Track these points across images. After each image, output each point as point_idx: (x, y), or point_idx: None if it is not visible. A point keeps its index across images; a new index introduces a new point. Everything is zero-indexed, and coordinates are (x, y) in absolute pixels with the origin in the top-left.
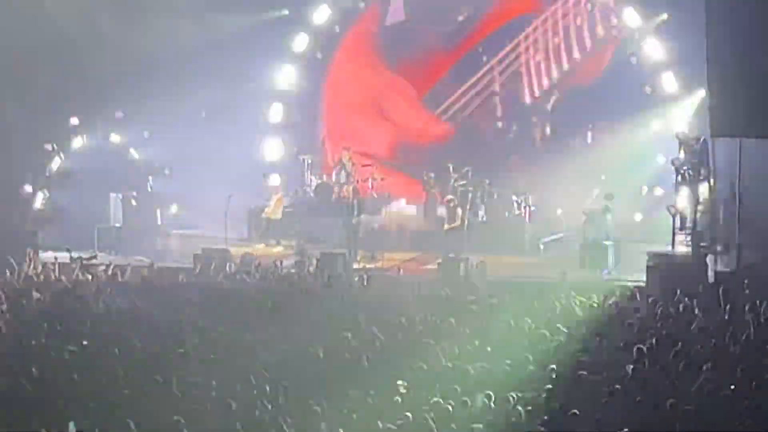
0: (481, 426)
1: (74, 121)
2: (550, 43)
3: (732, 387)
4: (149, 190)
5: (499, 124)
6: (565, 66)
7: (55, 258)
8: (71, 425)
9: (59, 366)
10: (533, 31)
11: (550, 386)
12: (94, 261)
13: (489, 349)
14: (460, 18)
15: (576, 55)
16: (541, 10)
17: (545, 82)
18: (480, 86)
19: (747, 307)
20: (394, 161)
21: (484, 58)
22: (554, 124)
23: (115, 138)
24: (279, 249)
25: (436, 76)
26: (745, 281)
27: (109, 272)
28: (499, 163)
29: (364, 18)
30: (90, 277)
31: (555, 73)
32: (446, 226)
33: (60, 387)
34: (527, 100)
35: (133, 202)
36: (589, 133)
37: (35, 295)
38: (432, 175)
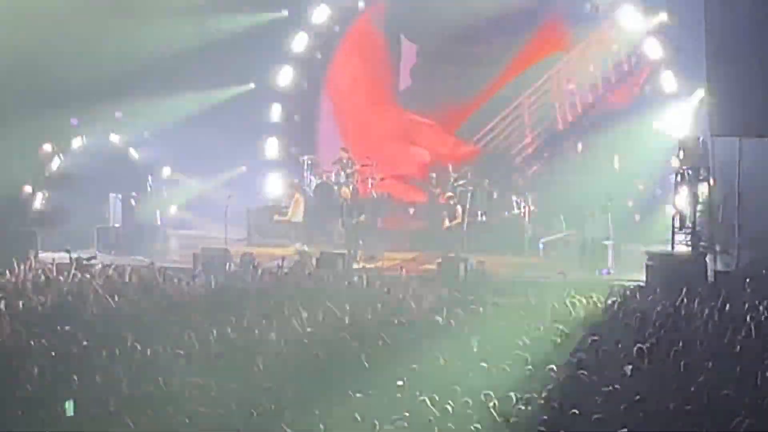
0: (480, 426)
1: (73, 121)
2: (579, 75)
3: (731, 387)
4: (149, 190)
5: (529, 149)
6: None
7: (54, 259)
8: (69, 405)
9: (59, 366)
10: (564, 65)
11: (549, 386)
12: (93, 261)
13: (488, 348)
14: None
15: (604, 84)
16: (569, 48)
17: (576, 109)
18: (510, 119)
19: (746, 307)
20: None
21: (513, 95)
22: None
23: (114, 138)
24: (306, 249)
25: (464, 116)
26: (745, 281)
27: (109, 272)
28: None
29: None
30: (89, 277)
31: (588, 99)
32: (446, 224)
33: (59, 388)
34: (560, 127)
35: (133, 203)
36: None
37: (34, 295)
38: (433, 175)
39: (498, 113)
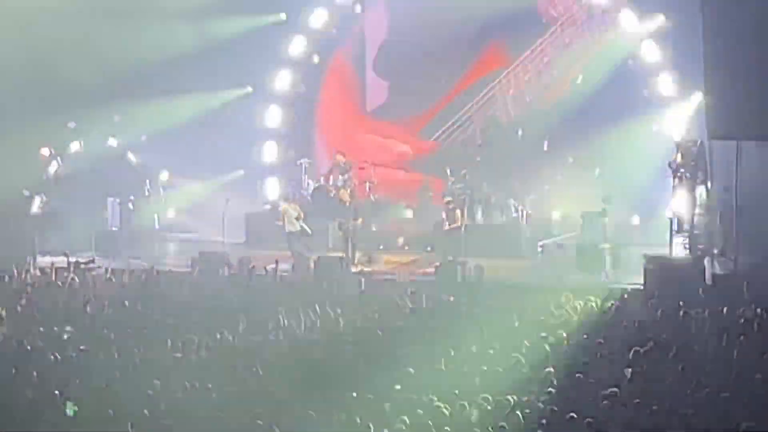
0: (478, 430)
1: (71, 125)
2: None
3: (730, 389)
4: (147, 194)
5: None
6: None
7: (52, 262)
8: (69, 406)
9: (57, 370)
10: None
11: (547, 389)
12: (91, 265)
13: (487, 352)
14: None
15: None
16: (510, 62)
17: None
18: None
19: (744, 310)
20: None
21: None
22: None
23: (112, 142)
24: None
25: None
26: (743, 284)
27: (107, 276)
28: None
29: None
30: (87, 281)
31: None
32: (446, 227)
33: (58, 390)
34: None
35: (131, 206)
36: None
37: (32, 299)
38: (429, 178)
39: (452, 116)
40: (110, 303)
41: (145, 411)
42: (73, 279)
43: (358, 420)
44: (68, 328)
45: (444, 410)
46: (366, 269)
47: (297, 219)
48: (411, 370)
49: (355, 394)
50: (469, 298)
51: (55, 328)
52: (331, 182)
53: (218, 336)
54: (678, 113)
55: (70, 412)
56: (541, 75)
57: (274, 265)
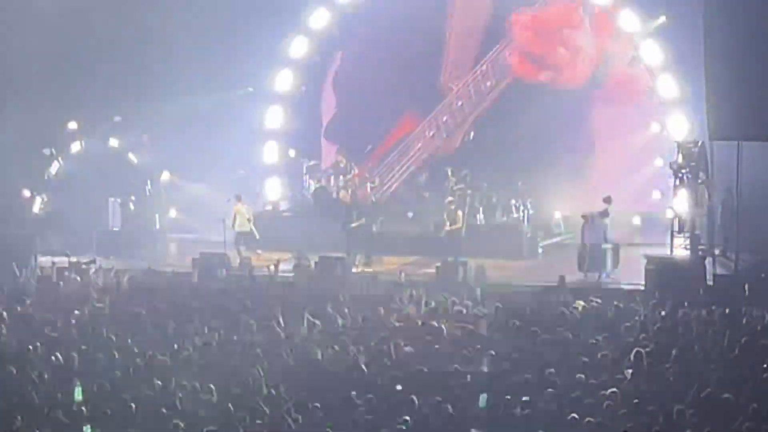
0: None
1: (73, 125)
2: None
3: (731, 390)
4: (147, 194)
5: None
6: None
7: (53, 262)
8: (77, 390)
9: (58, 370)
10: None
11: (548, 390)
12: (92, 265)
13: (488, 352)
14: None
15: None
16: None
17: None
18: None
19: (745, 310)
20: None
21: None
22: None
23: (113, 142)
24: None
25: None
26: (744, 284)
27: (108, 276)
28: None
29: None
30: (88, 280)
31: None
32: (447, 228)
33: (60, 391)
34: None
35: (132, 207)
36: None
37: (33, 299)
38: (422, 177)
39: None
40: (111, 303)
41: (146, 411)
42: (73, 279)
43: (361, 420)
44: (74, 322)
45: (447, 409)
46: (367, 270)
47: (248, 220)
48: (413, 369)
49: (356, 394)
50: (469, 299)
51: (55, 328)
52: (332, 183)
53: (219, 337)
54: (679, 113)
55: (78, 396)
56: None
57: (274, 266)
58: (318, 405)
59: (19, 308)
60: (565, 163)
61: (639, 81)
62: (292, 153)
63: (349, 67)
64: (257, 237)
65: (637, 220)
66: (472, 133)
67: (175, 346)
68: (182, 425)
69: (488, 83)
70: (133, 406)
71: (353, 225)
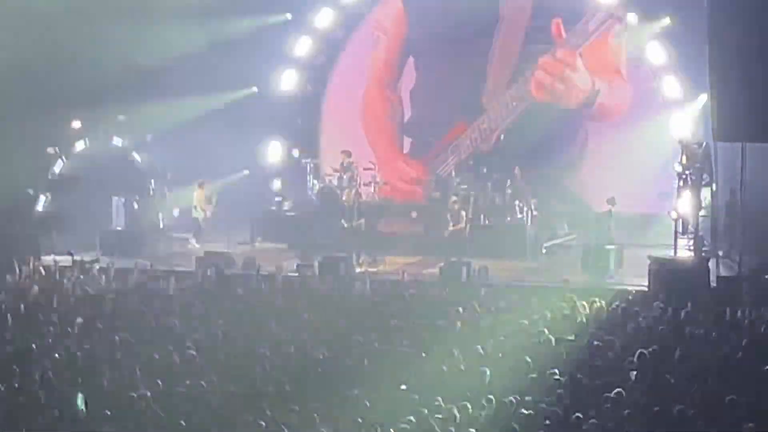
0: None
1: (76, 124)
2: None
3: (735, 392)
4: (151, 193)
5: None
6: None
7: (57, 261)
8: (79, 398)
9: (61, 370)
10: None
11: (552, 391)
12: (96, 264)
13: (491, 353)
14: None
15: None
16: None
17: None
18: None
19: (749, 312)
20: None
21: None
22: None
23: (117, 141)
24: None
25: None
26: (748, 286)
27: (112, 275)
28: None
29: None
30: (92, 280)
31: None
32: (450, 227)
33: (63, 390)
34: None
35: (136, 206)
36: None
37: (37, 298)
38: (434, 178)
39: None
40: (114, 303)
41: (147, 411)
42: (77, 278)
43: (363, 421)
44: (79, 320)
45: (449, 411)
46: (370, 269)
47: (196, 207)
48: (416, 370)
49: (359, 395)
50: (473, 300)
51: (59, 328)
52: (336, 183)
53: (222, 336)
54: (683, 115)
55: (80, 404)
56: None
57: (280, 265)
58: (320, 404)
59: (22, 307)
60: (567, 163)
61: (643, 81)
62: (296, 153)
63: (422, 76)
64: (201, 226)
65: (640, 221)
66: (502, 136)
67: (178, 345)
68: (185, 424)
69: (514, 104)
70: (135, 405)
71: (355, 224)
